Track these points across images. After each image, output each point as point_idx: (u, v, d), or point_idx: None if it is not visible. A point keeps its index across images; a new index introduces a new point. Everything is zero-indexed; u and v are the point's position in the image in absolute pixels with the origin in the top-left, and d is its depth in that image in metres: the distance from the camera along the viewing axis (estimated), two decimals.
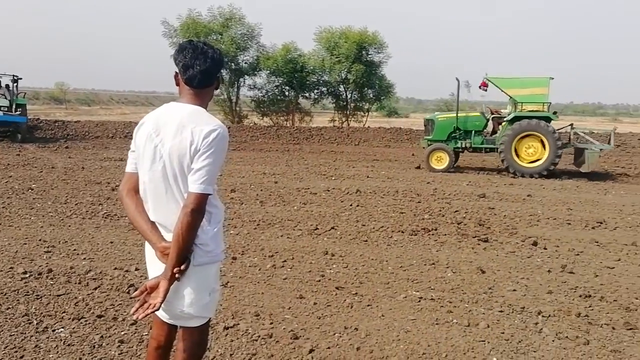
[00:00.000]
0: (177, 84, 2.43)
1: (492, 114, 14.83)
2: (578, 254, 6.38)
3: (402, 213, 8.38)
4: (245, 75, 26.98)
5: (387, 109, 41.63)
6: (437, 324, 4.27)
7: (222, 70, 3.13)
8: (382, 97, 27.79)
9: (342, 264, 5.78)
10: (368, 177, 12.42)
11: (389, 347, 3.84)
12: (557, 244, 6.79)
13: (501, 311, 4.55)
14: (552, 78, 13.77)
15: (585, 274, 5.62)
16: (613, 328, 4.28)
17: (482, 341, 3.98)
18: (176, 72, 2.42)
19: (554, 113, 13.52)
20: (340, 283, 5.19)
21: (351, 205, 8.88)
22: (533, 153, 13.35)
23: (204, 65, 2.34)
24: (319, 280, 5.24)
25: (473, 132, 14.31)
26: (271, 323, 4.19)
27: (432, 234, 7.14)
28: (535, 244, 6.72)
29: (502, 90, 14.17)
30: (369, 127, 25.26)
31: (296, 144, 21.05)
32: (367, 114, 28.13)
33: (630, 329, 4.26)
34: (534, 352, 3.83)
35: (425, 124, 15.35)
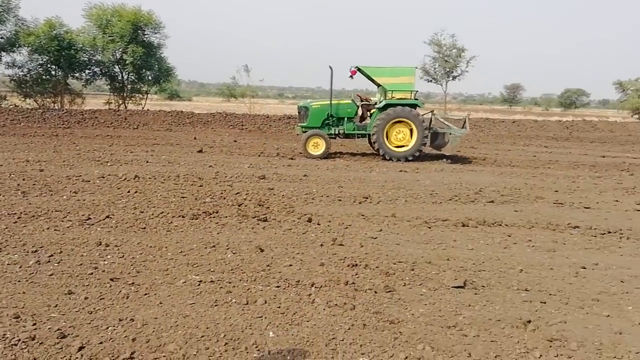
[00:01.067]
0: None
1: (362, 101, 15.47)
2: (347, 227, 6.93)
3: (184, 197, 8.24)
4: (2, 52, 23.93)
5: (168, 91, 40.46)
6: (216, 305, 4.29)
7: None
8: (161, 80, 26.87)
9: (117, 254, 5.48)
10: (148, 162, 11.94)
11: (166, 334, 3.75)
12: (329, 219, 7.29)
13: (278, 286, 4.74)
14: (417, 67, 14.78)
15: (353, 245, 6.13)
16: (375, 292, 4.74)
17: (260, 317, 4.10)
18: None
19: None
20: (115, 274, 4.92)
21: (129, 192, 8.46)
22: (402, 138, 14.34)
23: None
24: (91, 273, 4.90)
25: (345, 118, 14.86)
26: (34, 324, 3.80)
27: (214, 217, 7.15)
28: (310, 220, 7.13)
29: (372, 79, 14.89)
30: (148, 110, 24.27)
31: (67, 128, 19.34)
32: (145, 96, 27.00)
33: (390, 291, 4.76)
34: (307, 321, 4.06)
35: (299, 111, 15.55)
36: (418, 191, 9.54)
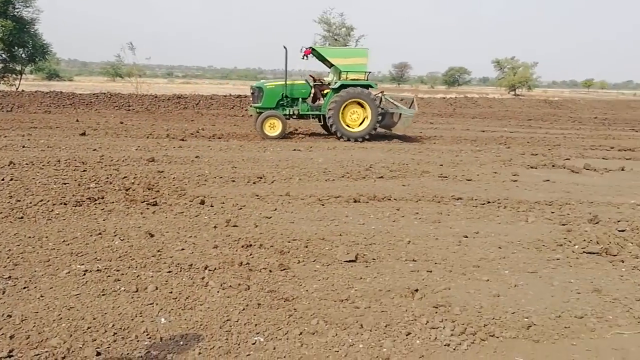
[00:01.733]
0: None
1: (315, 82, 15.40)
2: (241, 208, 6.88)
3: (65, 184, 7.76)
4: None
5: (46, 71, 37.86)
6: (103, 294, 4.10)
7: None
8: (37, 58, 25.03)
9: None
10: (24, 147, 11.11)
11: (48, 329, 3.53)
12: (222, 201, 7.19)
13: (169, 271, 4.62)
14: (368, 49, 15.03)
15: (247, 226, 6.09)
16: (270, 271, 4.75)
17: (151, 304, 3.98)
18: None
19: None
20: None
21: (3, 179, 7.83)
22: (357, 118, 14.58)
23: None
24: None
25: (300, 99, 14.86)
26: None
27: (99, 203, 6.80)
28: (202, 202, 6.99)
29: (326, 60, 15.00)
30: (23, 91, 22.56)
31: None
32: (20, 76, 25.07)
33: (284, 269, 4.79)
34: (201, 305, 4.00)
35: (253, 92, 15.27)
36: (311, 169, 9.65)
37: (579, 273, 4.97)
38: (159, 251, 5.13)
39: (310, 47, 14.77)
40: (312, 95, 15.26)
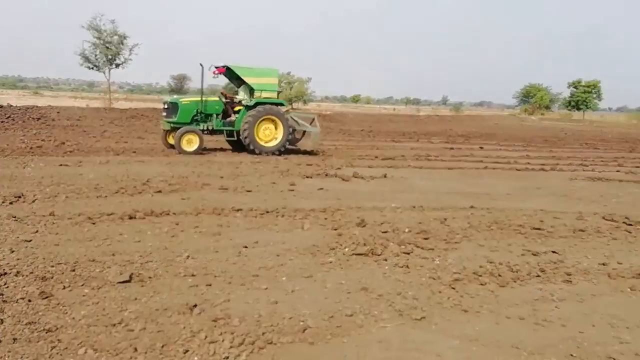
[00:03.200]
0: None
1: (226, 99, 15.98)
2: None
3: None
4: None
5: None
6: None
7: None
8: None
9: None
10: None
11: None
12: None
13: None
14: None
15: (1, 252, 5.35)
16: (29, 300, 4.22)
17: None
18: None
19: None
20: None
21: None
22: (269, 134, 15.46)
23: None
24: None
25: (214, 115, 15.34)
26: None
27: None
28: None
29: (240, 78, 15.84)
30: None
31: None
32: None
33: (46, 297, 4.30)
34: None
35: (168, 107, 15.32)
36: (81, 185, 8.89)
37: (349, 274, 5.31)
38: None
39: (224, 66, 15.41)
40: (223, 111, 15.71)
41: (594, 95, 72.93)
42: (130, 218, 7.00)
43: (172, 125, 15.09)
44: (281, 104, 16.29)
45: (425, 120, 44.78)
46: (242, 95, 16.45)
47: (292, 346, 3.72)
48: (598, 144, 26.23)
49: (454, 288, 5.00)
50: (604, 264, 5.98)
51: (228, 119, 15.80)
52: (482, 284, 5.16)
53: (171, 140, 14.99)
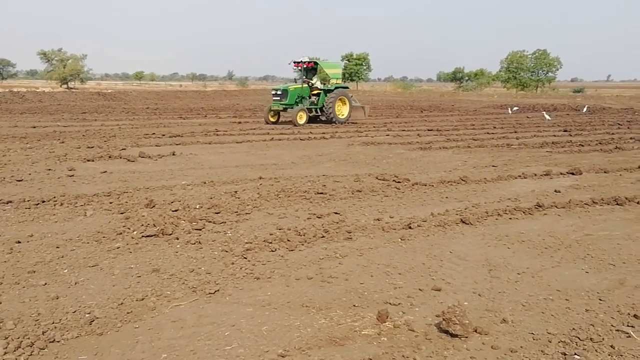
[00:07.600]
0: None
1: (308, 85, 21.03)
2: None
3: None
4: None
5: None
6: None
7: None
8: None
9: None
10: None
11: None
12: None
13: None
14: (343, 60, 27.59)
15: None
16: None
17: None
18: None
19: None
20: None
21: None
22: (339, 110, 21.20)
23: None
24: None
25: (306, 97, 20.92)
26: None
27: None
28: None
29: (322, 70, 21.78)
30: None
31: None
32: None
33: None
34: None
35: (280, 93, 20.43)
36: None
37: (139, 257, 5.13)
38: None
39: (313, 61, 21.38)
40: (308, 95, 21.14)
41: (364, 67, 79.47)
42: None
43: (284, 106, 20.35)
44: (347, 88, 22.40)
45: (213, 96, 44.66)
46: (316, 82, 21.54)
47: (78, 341, 3.49)
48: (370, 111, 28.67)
49: (245, 257, 5.13)
50: (378, 220, 6.61)
51: (310, 100, 21.09)
52: (272, 251, 5.37)
53: (273, 119, 20.64)
